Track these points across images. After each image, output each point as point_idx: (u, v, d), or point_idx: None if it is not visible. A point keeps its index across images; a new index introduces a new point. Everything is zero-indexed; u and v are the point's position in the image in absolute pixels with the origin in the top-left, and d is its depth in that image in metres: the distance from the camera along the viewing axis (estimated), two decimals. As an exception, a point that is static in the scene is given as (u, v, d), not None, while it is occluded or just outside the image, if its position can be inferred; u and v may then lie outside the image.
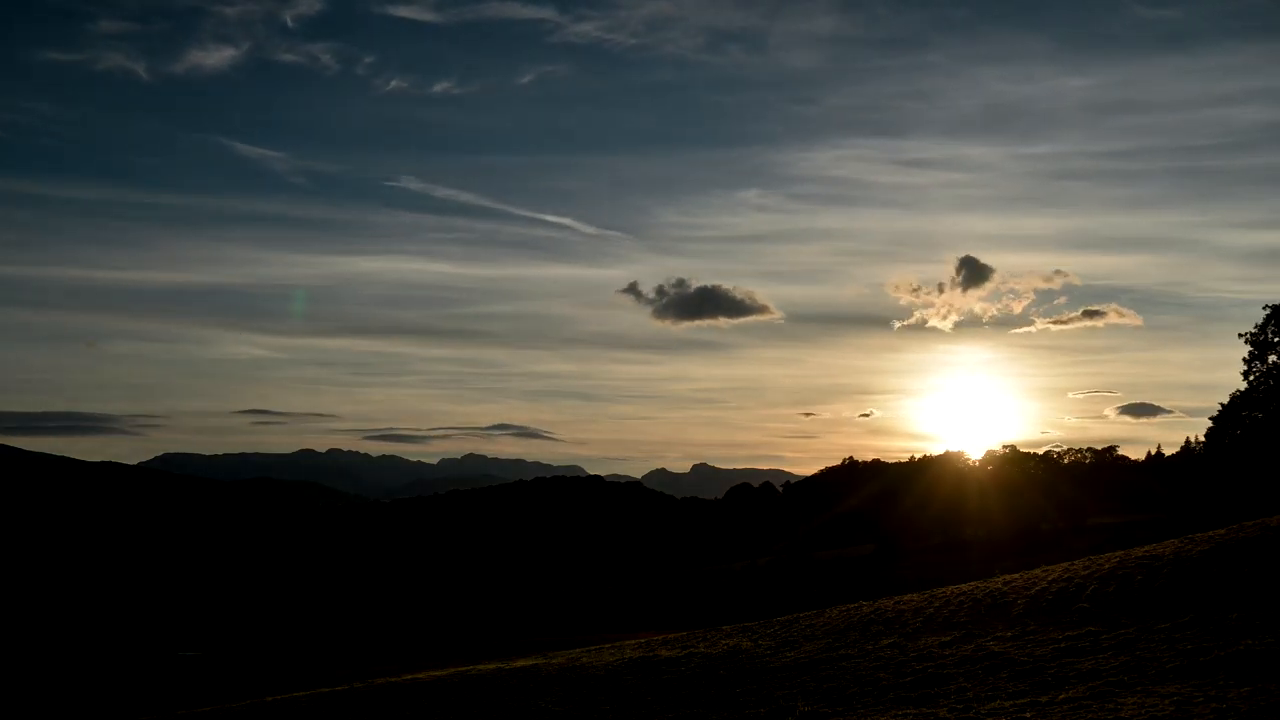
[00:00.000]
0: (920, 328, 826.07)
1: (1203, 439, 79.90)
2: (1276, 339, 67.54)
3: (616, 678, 21.85)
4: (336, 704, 23.14)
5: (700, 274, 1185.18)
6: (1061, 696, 14.02)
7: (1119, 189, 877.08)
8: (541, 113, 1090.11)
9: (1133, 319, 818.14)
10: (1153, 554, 27.27)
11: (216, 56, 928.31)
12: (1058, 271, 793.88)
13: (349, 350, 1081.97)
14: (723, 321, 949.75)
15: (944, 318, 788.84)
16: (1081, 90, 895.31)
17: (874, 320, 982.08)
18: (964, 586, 29.98)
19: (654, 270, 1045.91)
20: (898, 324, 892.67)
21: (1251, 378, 68.76)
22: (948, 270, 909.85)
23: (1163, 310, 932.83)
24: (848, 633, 24.92)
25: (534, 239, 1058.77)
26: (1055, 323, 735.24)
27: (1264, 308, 68.43)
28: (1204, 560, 24.16)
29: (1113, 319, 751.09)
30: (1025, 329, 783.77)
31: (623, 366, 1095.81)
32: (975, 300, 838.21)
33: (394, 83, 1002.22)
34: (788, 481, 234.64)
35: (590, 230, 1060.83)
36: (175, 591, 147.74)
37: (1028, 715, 13.03)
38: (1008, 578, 29.73)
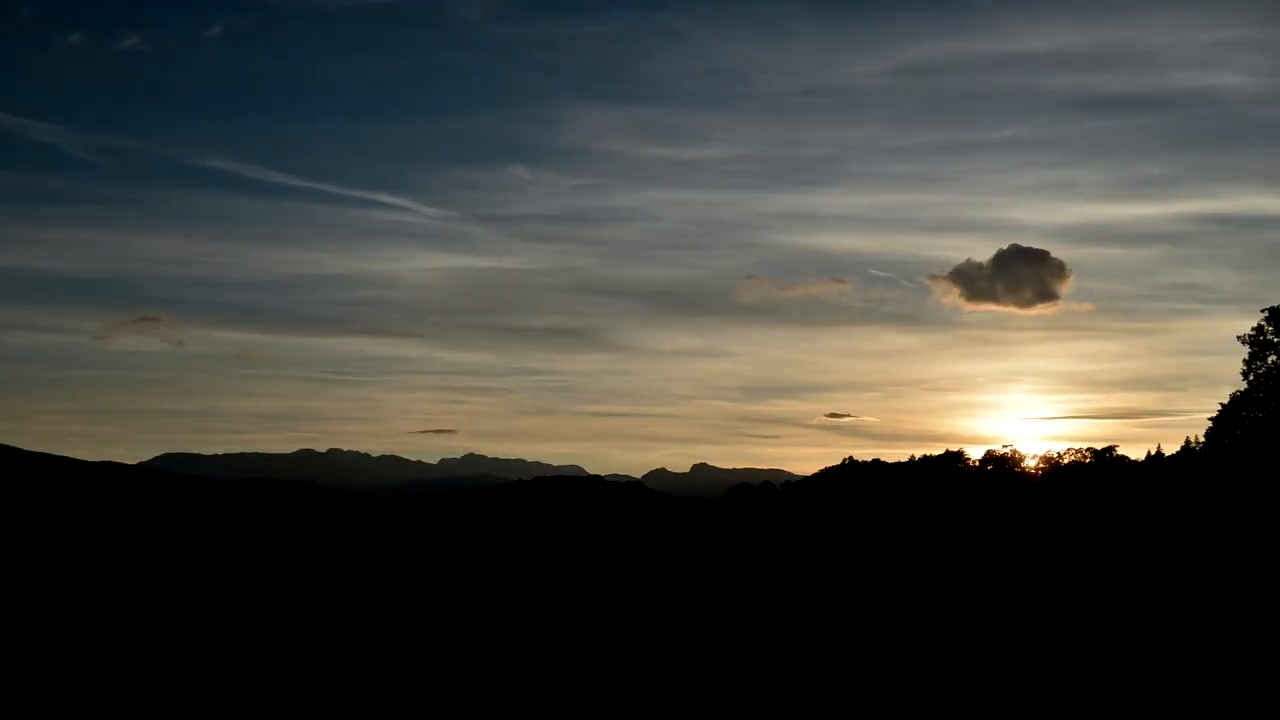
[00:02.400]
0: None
1: (1203, 439, 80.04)
2: (1276, 339, 67.74)
3: (618, 676, 21.90)
4: (337, 703, 23.20)
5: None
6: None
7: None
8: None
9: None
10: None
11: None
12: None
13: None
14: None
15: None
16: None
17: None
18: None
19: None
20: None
21: (1251, 378, 68.97)
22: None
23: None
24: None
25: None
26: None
27: (1262, 310, 68.62)
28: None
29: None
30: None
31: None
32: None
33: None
34: (787, 481, 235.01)
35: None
36: (175, 591, 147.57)
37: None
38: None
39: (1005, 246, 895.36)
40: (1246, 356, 68.48)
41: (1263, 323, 68.04)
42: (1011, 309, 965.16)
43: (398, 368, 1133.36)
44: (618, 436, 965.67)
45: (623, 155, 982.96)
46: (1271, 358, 67.42)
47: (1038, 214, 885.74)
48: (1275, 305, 67.74)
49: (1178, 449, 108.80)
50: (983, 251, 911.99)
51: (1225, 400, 71.59)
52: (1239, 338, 68.77)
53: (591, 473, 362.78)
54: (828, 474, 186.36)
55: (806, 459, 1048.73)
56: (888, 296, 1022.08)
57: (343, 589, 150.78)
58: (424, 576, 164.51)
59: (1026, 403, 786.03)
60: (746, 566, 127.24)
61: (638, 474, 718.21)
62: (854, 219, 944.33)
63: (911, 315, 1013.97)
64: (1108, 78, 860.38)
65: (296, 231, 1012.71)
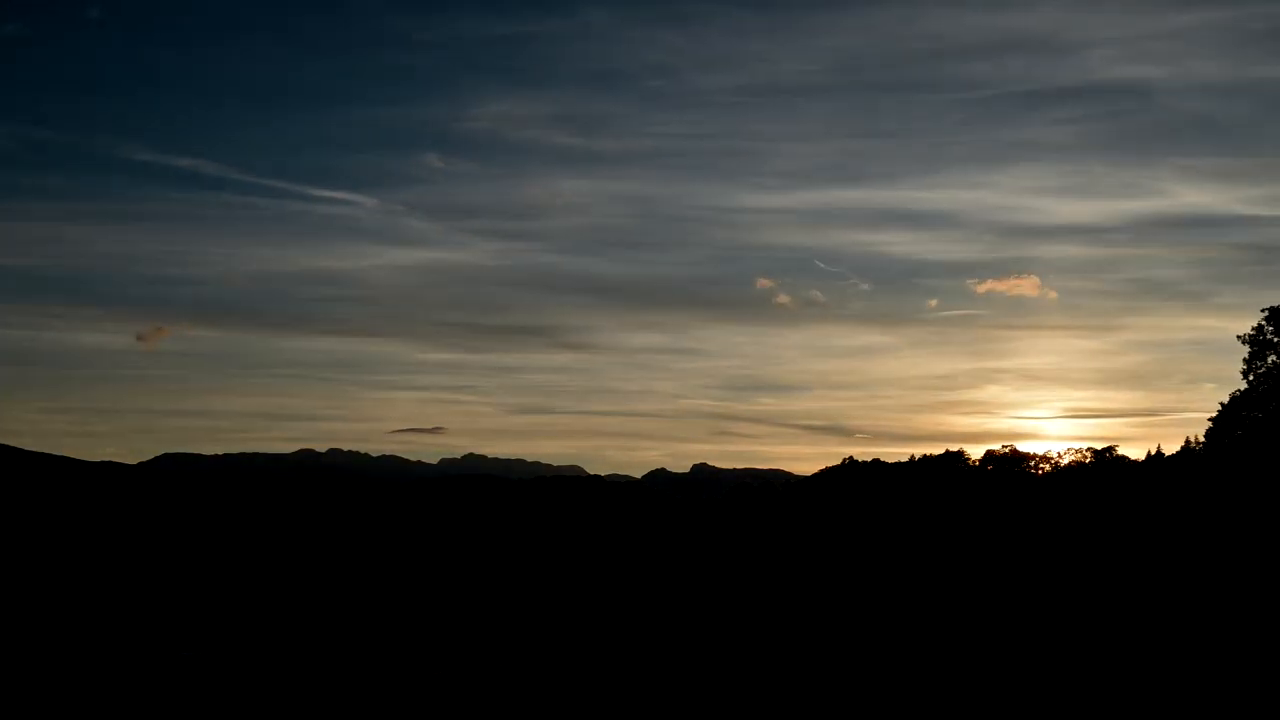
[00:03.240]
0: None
1: (1203, 439, 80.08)
2: (1276, 339, 67.81)
3: (618, 676, 21.91)
4: (337, 702, 23.20)
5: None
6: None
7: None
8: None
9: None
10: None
11: None
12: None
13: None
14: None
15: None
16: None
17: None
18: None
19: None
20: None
21: (1251, 378, 69.04)
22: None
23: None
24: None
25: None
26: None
27: (1262, 310, 68.69)
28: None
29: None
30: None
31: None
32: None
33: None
34: (787, 481, 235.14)
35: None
36: (175, 591, 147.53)
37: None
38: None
39: (941, 242, 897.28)
40: (1246, 356, 68.52)
41: (1263, 323, 68.09)
42: (947, 304, 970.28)
43: (377, 368, 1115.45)
44: (606, 435, 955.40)
45: (542, 145, 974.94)
46: (1271, 357, 67.46)
47: (973, 205, 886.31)
48: (1275, 305, 67.81)
49: (1178, 449, 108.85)
50: (917, 247, 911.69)
51: (1224, 401, 71.68)
52: (1239, 337, 68.85)
53: (591, 473, 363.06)
54: (828, 474, 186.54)
55: (796, 458, 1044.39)
56: (845, 292, 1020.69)
57: (342, 589, 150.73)
58: (424, 576, 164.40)
59: (990, 401, 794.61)
60: (746, 567, 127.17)
61: (638, 474, 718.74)
62: (793, 212, 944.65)
63: (879, 313, 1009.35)
64: (1044, 70, 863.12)
65: (241, 226, 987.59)
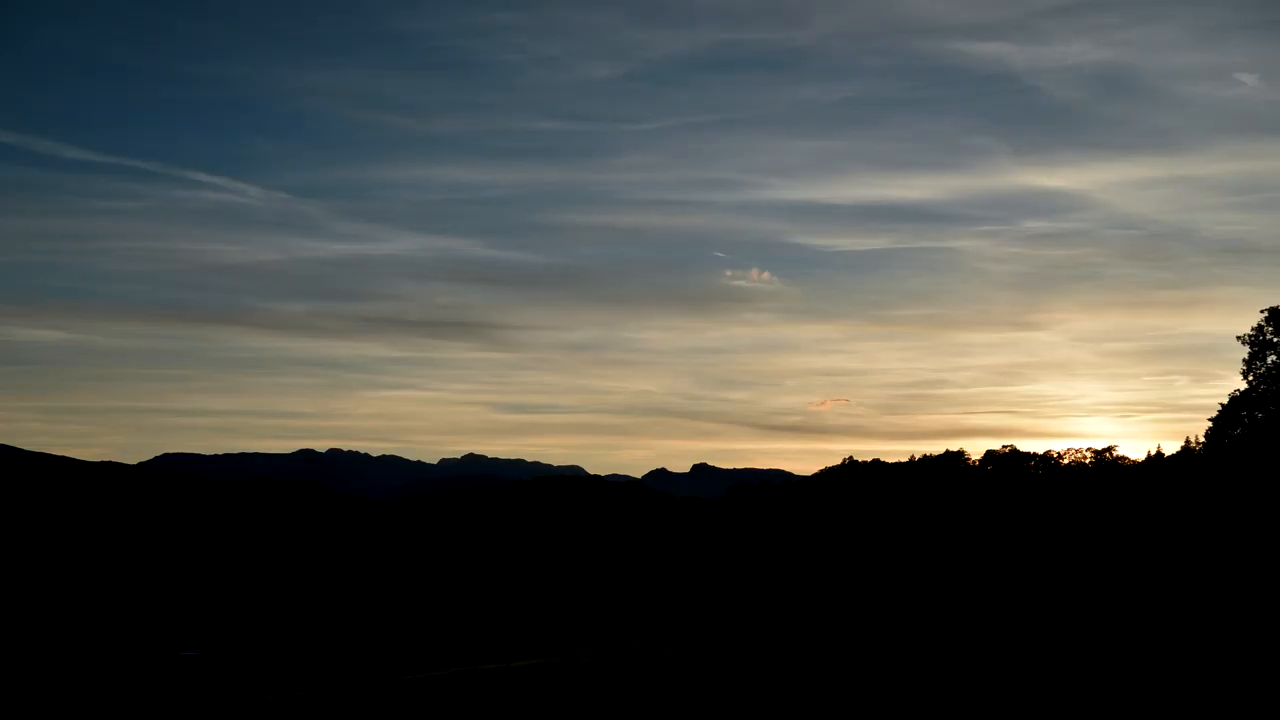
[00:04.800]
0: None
1: (1203, 439, 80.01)
2: (1276, 339, 67.71)
3: (617, 676, 21.92)
4: (337, 703, 23.21)
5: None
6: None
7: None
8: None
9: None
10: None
11: None
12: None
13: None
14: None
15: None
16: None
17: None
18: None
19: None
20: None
21: (1251, 378, 68.94)
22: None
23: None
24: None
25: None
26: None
27: (1262, 310, 68.60)
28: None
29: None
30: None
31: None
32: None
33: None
34: (787, 481, 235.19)
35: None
36: (175, 591, 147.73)
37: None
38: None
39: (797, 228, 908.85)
40: (1246, 356, 68.45)
41: (1262, 323, 68.01)
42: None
43: (285, 365, 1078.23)
44: (580, 432, 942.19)
45: (408, 129, 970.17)
46: (1271, 357, 67.42)
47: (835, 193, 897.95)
48: (1275, 306, 67.72)
49: (1177, 449, 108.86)
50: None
51: (1225, 401, 71.63)
52: (1239, 337, 68.77)
53: (591, 473, 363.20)
54: (828, 474, 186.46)
55: (780, 454, 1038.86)
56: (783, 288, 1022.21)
57: (343, 589, 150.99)
58: (424, 576, 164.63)
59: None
60: (746, 566, 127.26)
61: (638, 474, 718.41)
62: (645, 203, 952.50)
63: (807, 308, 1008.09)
64: (907, 50, 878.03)
65: (125, 213, 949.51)
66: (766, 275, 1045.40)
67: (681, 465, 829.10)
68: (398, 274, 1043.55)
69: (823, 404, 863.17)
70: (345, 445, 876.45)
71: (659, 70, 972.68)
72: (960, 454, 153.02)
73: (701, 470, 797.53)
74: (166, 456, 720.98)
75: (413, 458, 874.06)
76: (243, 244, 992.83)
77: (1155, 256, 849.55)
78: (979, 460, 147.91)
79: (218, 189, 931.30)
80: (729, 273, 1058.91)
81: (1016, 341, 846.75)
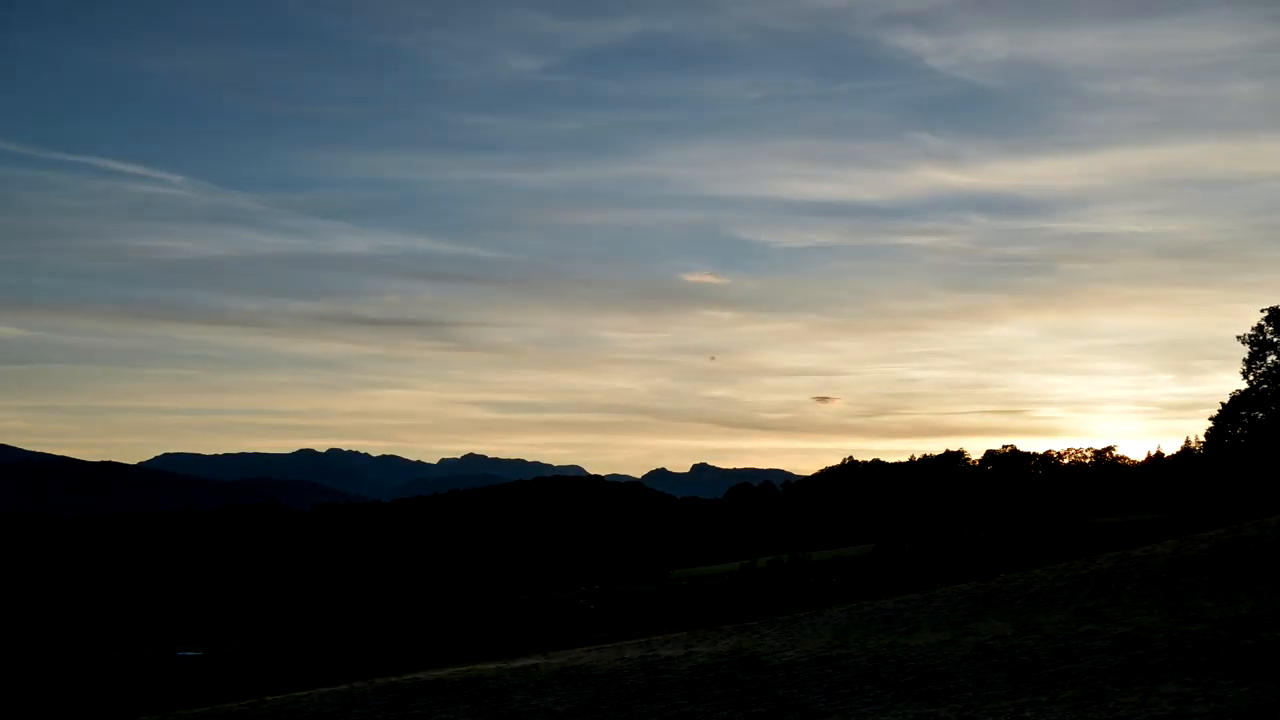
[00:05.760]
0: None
1: (1203, 439, 79.98)
2: (1276, 339, 67.65)
3: (618, 676, 21.90)
4: (337, 703, 23.21)
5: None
6: (1061, 695, 14.06)
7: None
8: None
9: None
10: (1151, 553, 27.34)
11: None
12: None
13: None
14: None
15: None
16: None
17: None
18: (964, 585, 30.04)
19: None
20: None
21: (1251, 377, 68.86)
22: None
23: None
24: (849, 631, 25.00)
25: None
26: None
27: (1262, 310, 68.57)
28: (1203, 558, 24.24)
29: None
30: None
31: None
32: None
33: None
34: (787, 481, 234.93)
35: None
36: (175, 591, 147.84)
37: (1027, 714, 13.07)
38: (1007, 576, 29.81)
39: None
40: (1246, 356, 68.46)
41: (1263, 322, 68.02)
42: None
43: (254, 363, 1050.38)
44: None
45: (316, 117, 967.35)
46: (1271, 357, 67.43)
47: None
48: (1275, 306, 67.75)
49: (1178, 449, 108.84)
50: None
51: (1225, 401, 71.64)
52: (1239, 337, 68.77)
53: (591, 473, 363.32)
54: (828, 474, 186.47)
55: (781, 454, 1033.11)
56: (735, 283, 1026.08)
57: (343, 589, 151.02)
58: (424, 577, 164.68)
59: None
60: (746, 565, 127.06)
61: (638, 474, 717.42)
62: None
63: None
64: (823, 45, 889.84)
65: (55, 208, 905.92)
66: (710, 275, 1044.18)
67: (681, 465, 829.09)
68: (345, 270, 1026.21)
69: (814, 400, 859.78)
70: (345, 445, 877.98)
71: (581, 63, 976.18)
72: (960, 454, 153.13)
73: (701, 470, 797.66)
74: (166, 456, 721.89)
75: (413, 458, 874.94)
76: (180, 238, 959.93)
77: (1097, 257, 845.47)
78: (979, 460, 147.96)
79: (139, 179, 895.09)
80: (685, 273, 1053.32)
81: (983, 338, 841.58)
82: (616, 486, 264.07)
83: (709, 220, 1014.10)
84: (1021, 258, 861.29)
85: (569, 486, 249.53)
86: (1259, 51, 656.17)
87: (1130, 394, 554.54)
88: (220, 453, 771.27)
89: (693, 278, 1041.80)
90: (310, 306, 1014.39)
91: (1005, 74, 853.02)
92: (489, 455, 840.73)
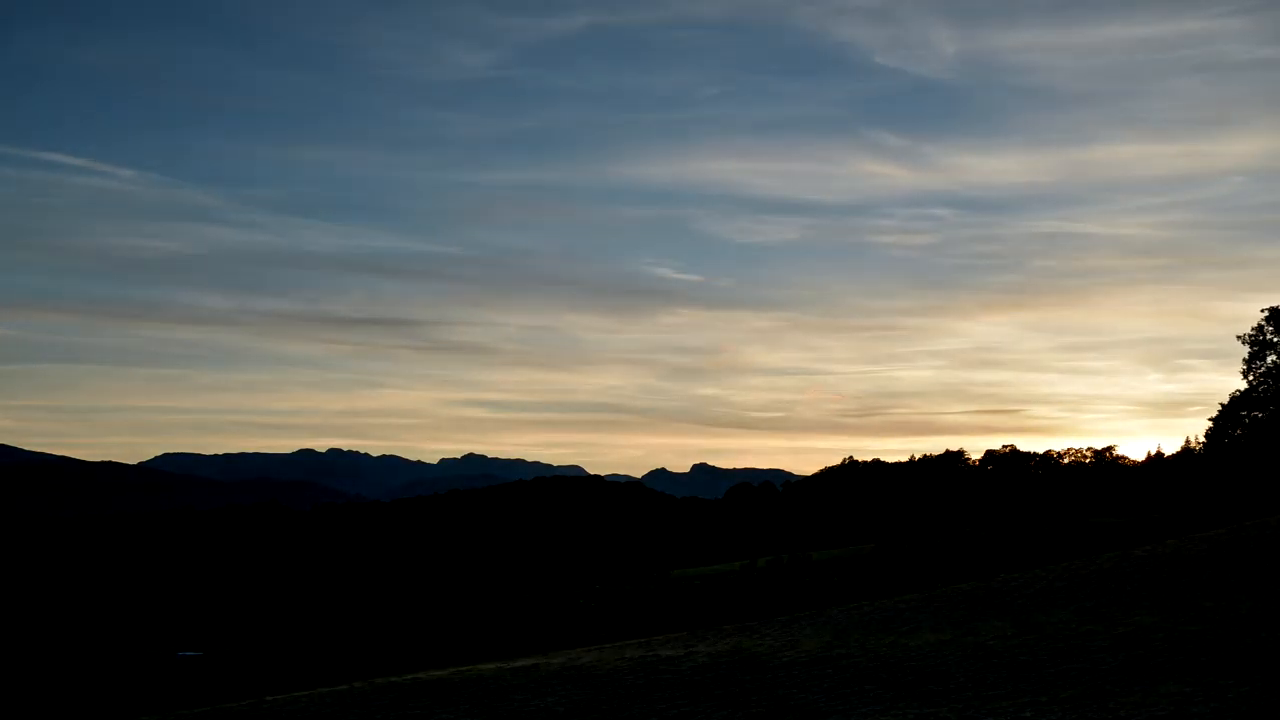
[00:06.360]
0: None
1: (1203, 439, 79.94)
2: (1276, 339, 67.60)
3: (618, 676, 21.89)
4: (337, 703, 23.19)
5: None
6: (1061, 695, 14.06)
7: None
8: None
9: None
10: (1154, 553, 27.31)
11: None
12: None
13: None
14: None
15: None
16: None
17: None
18: (964, 585, 30.01)
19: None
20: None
21: (1251, 378, 68.81)
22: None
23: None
24: (848, 631, 24.99)
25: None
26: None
27: (1262, 310, 68.51)
28: (1204, 558, 24.21)
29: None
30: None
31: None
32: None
33: None
34: (788, 481, 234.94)
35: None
36: (175, 592, 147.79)
37: (1027, 714, 13.06)
38: (1007, 576, 29.79)
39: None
40: (1246, 356, 68.40)
41: (1263, 322, 67.96)
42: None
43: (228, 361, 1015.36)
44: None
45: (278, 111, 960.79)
46: (1271, 357, 67.38)
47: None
48: (1275, 306, 67.69)
49: (1178, 449, 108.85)
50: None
51: (1225, 401, 71.59)
52: (1239, 337, 68.72)
53: (591, 473, 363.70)
54: (828, 474, 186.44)
55: (781, 454, 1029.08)
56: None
57: (343, 589, 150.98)
58: (424, 577, 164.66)
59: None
60: (746, 565, 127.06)
61: (638, 474, 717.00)
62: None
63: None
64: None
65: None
66: (677, 271, 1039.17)
67: (681, 465, 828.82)
68: (312, 268, 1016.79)
69: (804, 394, 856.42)
70: (345, 445, 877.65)
71: (530, 58, 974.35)
72: (960, 454, 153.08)
73: (701, 470, 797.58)
74: (166, 456, 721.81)
75: (413, 458, 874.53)
76: (131, 233, 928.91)
77: (1065, 252, 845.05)
78: (979, 460, 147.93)
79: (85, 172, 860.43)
80: (651, 269, 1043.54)
81: (955, 335, 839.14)
82: (616, 486, 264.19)
83: (671, 216, 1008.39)
84: (989, 255, 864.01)
85: (569, 486, 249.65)
86: (1211, 42, 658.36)
87: (1118, 392, 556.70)
88: (220, 453, 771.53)
89: (660, 273, 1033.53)
90: (278, 304, 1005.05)
91: (956, 69, 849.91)
92: (489, 455, 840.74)
